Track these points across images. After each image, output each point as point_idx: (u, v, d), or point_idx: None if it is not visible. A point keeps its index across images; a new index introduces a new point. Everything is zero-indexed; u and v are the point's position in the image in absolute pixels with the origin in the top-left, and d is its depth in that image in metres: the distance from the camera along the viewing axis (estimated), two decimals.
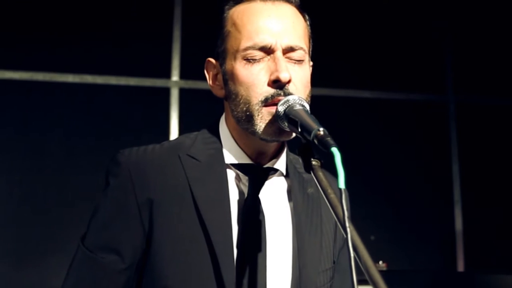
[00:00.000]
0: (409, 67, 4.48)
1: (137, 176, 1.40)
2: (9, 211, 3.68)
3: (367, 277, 0.96)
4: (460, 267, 4.33)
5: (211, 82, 1.51)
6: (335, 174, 1.06)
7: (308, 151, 1.22)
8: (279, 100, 1.33)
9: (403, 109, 4.44)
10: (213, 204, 1.39)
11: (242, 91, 1.38)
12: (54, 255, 3.56)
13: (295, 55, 1.39)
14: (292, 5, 1.45)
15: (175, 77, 4.04)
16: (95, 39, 3.95)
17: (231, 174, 1.45)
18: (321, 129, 1.16)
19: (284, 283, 1.41)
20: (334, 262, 1.53)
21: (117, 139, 3.79)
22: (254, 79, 1.37)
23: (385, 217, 4.18)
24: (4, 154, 3.74)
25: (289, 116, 1.28)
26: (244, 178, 1.45)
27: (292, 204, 1.48)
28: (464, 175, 4.45)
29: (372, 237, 4.01)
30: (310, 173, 1.20)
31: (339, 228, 1.51)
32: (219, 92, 1.49)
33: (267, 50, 1.37)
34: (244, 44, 1.38)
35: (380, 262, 3.49)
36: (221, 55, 1.45)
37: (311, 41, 1.50)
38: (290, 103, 1.30)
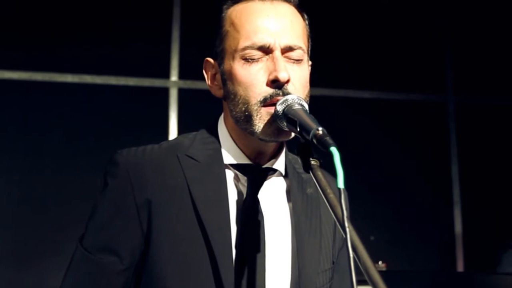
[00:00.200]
0: (408, 67, 4.48)
1: (136, 177, 1.39)
2: (9, 211, 3.67)
3: (366, 278, 0.95)
4: (460, 267, 4.33)
5: (209, 82, 1.50)
6: (334, 174, 1.06)
7: (307, 151, 1.21)
8: (278, 100, 1.32)
9: (403, 110, 4.44)
10: (212, 204, 1.38)
11: (240, 91, 1.38)
12: (53, 256, 3.55)
13: (293, 54, 1.39)
14: (290, 4, 1.44)
15: (174, 77, 4.04)
16: (94, 39, 3.95)
17: (229, 174, 1.44)
18: (320, 128, 1.15)
19: (283, 284, 1.41)
20: (333, 263, 1.52)
21: (116, 139, 3.79)
22: (252, 79, 1.36)
23: (385, 217, 4.18)
24: (3, 154, 3.74)
25: (288, 116, 1.27)
26: (243, 179, 1.44)
27: (291, 204, 1.47)
28: (463, 176, 4.45)
29: (372, 237, 4.01)
30: (309, 173, 1.20)
31: (339, 228, 1.51)
32: (218, 92, 1.48)
33: (266, 50, 1.37)
34: (243, 43, 1.37)
35: (380, 262, 3.49)
36: (220, 55, 1.44)
37: (310, 40, 1.49)
38: (289, 103, 1.30)
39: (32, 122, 3.80)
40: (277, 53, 1.36)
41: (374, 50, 4.42)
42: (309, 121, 1.20)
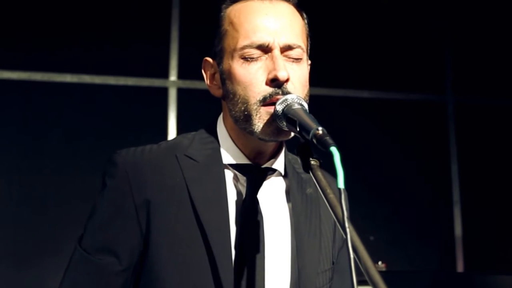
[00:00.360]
0: (408, 67, 4.47)
1: (134, 177, 1.39)
2: (8, 212, 3.66)
3: (366, 278, 0.95)
4: (460, 267, 4.33)
5: (208, 82, 1.50)
6: (334, 174, 1.05)
7: (306, 151, 1.21)
8: (278, 99, 1.32)
9: (402, 109, 4.43)
10: (211, 205, 1.37)
11: (240, 90, 1.37)
12: (52, 256, 3.54)
13: (293, 53, 1.38)
14: (289, 3, 1.44)
15: (173, 77, 4.03)
16: (93, 39, 3.94)
17: (229, 174, 1.44)
18: (320, 128, 1.15)
19: (282, 284, 1.40)
20: (333, 263, 1.51)
21: (116, 139, 3.78)
22: (251, 78, 1.36)
23: (384, 217, 4.17)
24: (2, 154, 3.73)
25: (288, 116, 1.26)
26: (242, 179, 1.44)
27: (290, 204, 1.47)
28: (463, 176, 4.44)
29: (371, 238, 4.00)
30: (309, 173, 1.19)
31: (338, 228, 1.50)
32: (217, 92, 1.47)
33: (265, 49, 1.36)
34: (242, 42, 1.37)
35: (379, 263, 3.49)
36: (219, 54, 1.44)
37: (309, 39, 1.48)
38: (288, 102, 1.29)
39: (31, 122, 3.79)
40: (276, 52, 1.36)
41: (373, 50, 4.41)
42: (309, 121, 1.20)
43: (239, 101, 1.37)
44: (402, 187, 4.29)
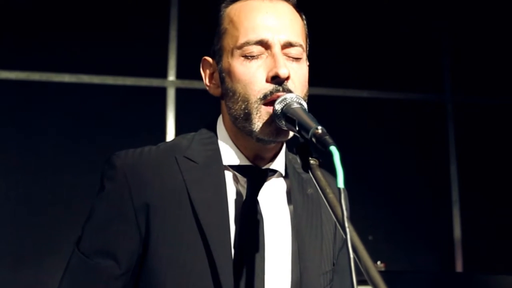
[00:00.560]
0: (407, 67, 4.47)
1: (133, 180, 1.37)
2: (5, 212, 3.66)
3: (367, 278, 0.94)
4: (459, 267, 4.32)
5: (207, 81, 1.49)
6: (334, 173, 1.04)
7: (306, 150, 1.20)
8: (278, 96, 1.31)
9: (401, 109, 4.43)
10: (211, 207, 1.36)
11: (239, 88, 1.36)
12: (50, 256, 3.54)
13: (293, 51, 1.38)
14: (289, 3, 1.44)
15: (171, 77, 4.03)
16: (91, 39, 3.93)
17: (229, 175, 1.43)
18: (319, 127, 1.14)
19: (283, 286, 1.39)
20: (333, 264, 1.51)
21: (114, 139, 3.77)
22: (251, 76, 1.35)
23: (383, 217, 4.17)
24: (0, 154, 3.72)
25: (287, 115, 1.26)
26: (243, 180, 1.42)
27: (291, 206, 1.46)
28: (462, 175, 4.44)
29: (370, 237, 4.00)
30: (308, 173, 1.18)
31: (339, 228, 1.50)
32: (216, 91, 1.47)
33: (265, 45, 1.36)
34: (241, 40, 1.36)
35: (378, 263, 3.48)
36: (218, 53, 1.43)
37: (308, 40, 1.48)
38: (287, 102, 1.28)
39: (29, 122, 3.78)
40: (276, 49, 1.35)
41: (372, 50, 4.41)
42: (308, 120, 1.19)
43: (239, 99, 1.37)
44: (401, 187, 4.29)
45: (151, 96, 3.98)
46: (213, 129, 1.49)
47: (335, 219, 1.06)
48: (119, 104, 3.92)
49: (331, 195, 1.09)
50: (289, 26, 1.39)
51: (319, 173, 1.15)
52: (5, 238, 3.63)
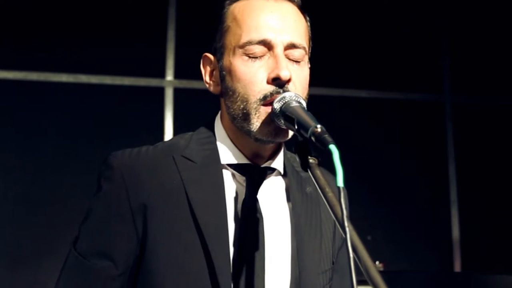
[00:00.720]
0: (406, 67, 4.46)
1: (130, 180, 1.36)
2: (3, 212, 3.65)
3: (367, 278, 0.93)
4: (457, 267, 4.32)
5: (207, 78, 1.48)
6: (333, 172, 1.04)
7: (305, 149, 1.19)
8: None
9: (400, 109, 4.43)
10: (209, 206, 1.35)
11: (239, 88, 1.35)
12: (49, 257, 3.52)
13: (295, 53, 1.37)
14: (294, 4, 1.43)
15: (169, 76, 4.02)
16: (89, 38, 3.93)
17: (227, 174, 1.42)
18: (319, 126, 1.13)
19: (282, 285, 1.39)
20: (333, 263, 1.50)
21: (112, 139, 3.77)
22: (252, 76, 1.34)
23: (382, 217, 4.16)
24: None
25: (286, 113, 1.25)
26: (241, 179, 1.42)
27: (290, 204, 1.45)
28: (460, 176, 4.44)
29: (369, 237, 3.99)
30: (307, 171, 1.18)
31: (338, 228, 1.49)
32: (215, 89, 1.46)
33: (267, 45, 1.35)
34: (244, 38, 1.35)
35: (377, 262, 3.48)
36: (219, 50, 1.42)
37: (310, 42, 1.47)
38: (286, 100, 1.27)
39: (27, 122, 3.77)
40: (279, 50, 1.34)
41: (371, 50, 4.41)
42: (307, 119, 1.18)
43: (238, 98, 1.36)
44: (399, 187, 4.29)
45: (149, 96, 3.98)
46: (211, 128, 1.48)
47: (334, 218, 1.05)
48: (117, 104, 3.91)
49: (330, 194, 1.08)
50: (293, 27, 1.37)
51: (318, 172, 1.15)
52: (3, 238, 3.62)
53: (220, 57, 1.41)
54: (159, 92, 3.99)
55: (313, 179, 1.15)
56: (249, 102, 1.34)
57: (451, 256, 4.33)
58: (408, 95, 4.46)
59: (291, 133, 1.35)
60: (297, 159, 1.21)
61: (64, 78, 3.87)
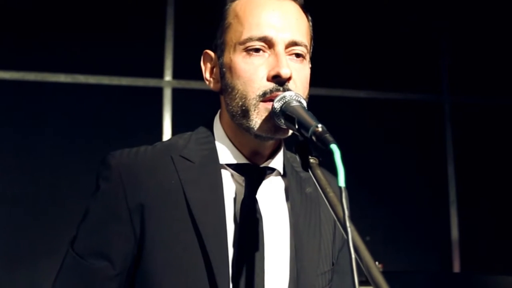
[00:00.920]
0: (404, 67, 4.46)
1: (128, 180, 1.36)
2: (1, 212, 3.64)
3: (369, 279, 0.92)
4: (456, 267, 4.32)
5: (207, 75, 1.47)
6: (333, 172, 1.03)
7: (305, 149, 1.18)
8: (278, 96, 1.29)
9: (399, 109, 4.43)
10: (207, 207, 1.35)
11: (239, 85, 1.35)
12: (46, 257, 3.51)
13: (297, 51, 1.36)
14: (296, 3, 1.42)
15: (168, 77, 4.01)
16: (87, 38, 3.92)
17: (226, 174, 1.41)
18: (320, 125, 1.12)
19: (282, 286, 1.38)
20: (332, 264, 1.49)
21: (110, 139, 3.76)
22: (252, 73, 1.33)
23: (381, 217, 4.16)
24: None
25: (286, 113, 1.24)
26: (240, 179, 1.41)
27: (289, 204, 1.44)
28: (459, 176, 4.44)
29: (368, 238, 3.98)
30: (308, 172, 1.17)
31: (338, 228, 1.48)
32: (215, 86, 1.45)
33: (268, 43, 1.34)
34: (245, 35, 1.34)
35: (376, 263, 3.47)
36: (220, 47, 1.41)
37: (312, 42, 1.46)
38: (286, 100, 1.27)
39: (24, 122, 3.77)
40: (280, 48, 1.34)
41: (370, 50, 4.41)
42: (308, 118, 1.17)
43: (237, 95, 1.35)
44: (398, 187, 4.28)
45: (147, 96, 3.97)
46: (210, 128, 1.47)
47: (336, 219, 1.04)
48: (115, 104, 3.90)
49: (331, 194, 1.07)
50: (294, 26, 1.37)
51: (319, 172, 1.14)
52: (1, 238, 3.61)
53: (221, 54, 1.41)
54: (158, 92, 3.98)
55: (314, 179, 1.14)
56: (248, 99, 1.33)
57: (450, 256, 4.33)
58: (407, 95, 4.46)
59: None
60: (298, 159, 1.20)
61: (62, 78, 3.86)
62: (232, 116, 1.38)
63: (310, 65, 1.44)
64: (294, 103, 1.25)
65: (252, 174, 1.41)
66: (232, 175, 1.42)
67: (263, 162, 1.43)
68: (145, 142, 1.50)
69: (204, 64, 1.48)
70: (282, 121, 1.27)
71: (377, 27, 4.45)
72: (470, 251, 4.33)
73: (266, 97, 1.32)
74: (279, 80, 1.31)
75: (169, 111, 3.96)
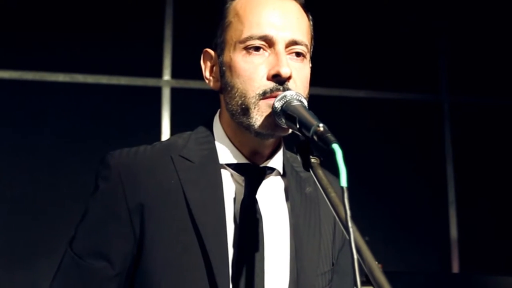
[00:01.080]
0: (403, 67, 4.46)
1: (128, 180, 1.35)
2: (0, 212, 3.63)
3: (371, 279, 0.92)
4: (455, 267, 4.32)
5: (207, 74, 1.46)
6: (334, 172, 1.02)
7: (306, 149, 1.18)
8: (277, 95, 1.28)
9: (398, 109, 4.43)
10: (207, 207, 1.34)
11: (238, 83, 1.34)
12: (45, 257, 3.51)
13: (297, 50, 1.35)
14: (297, 2, 1.42)
15: (166, 76, 4.01)
16: (86, 38, 3.91)
17: (226, 174, 1.41)
18: (321, 125, 1.12)
19: (282, 287, 1.37)
20: (332, 264, 1.49)
21: (109, 139, 3.75)
22: (252, 72, 1.33)
23: (380, 217, 4.15)
24: None
25: (287, 112, 1.23)
26: (240, 178, 1.40)
27: (289, 204, 1.44)
28: (458, 176, 4.44)
29: (367, 238, 3.97)
30: (309, 171, 1.16)
31: (338, 228, 1.48)
32: (215, 85, 1.44)
33: (268, 42, 1.33)
34: (245, 34, 1.34)
35: (376, 263, 3.47)
36: (220, 46, 1.41)
37: (312, 41, 1.46)
38: (287, 99, 1.26)
39: (22, 122, 3.76)
40: (280, 47, 1.33)
41: (369, 50, 4.40)
42: (309, 118, 1.16)
43: (237, 94, 1.34)
44: (397, 187, 4.28)
45: (146, 96, 3.96)
46: (210, 128, 1.47)
47: (337, 219, 1.04)
48: (114, 104, 3.90)
49: (333, 194, 1.07)
50: (295, 25, 1.36)
51: (320, 171, 1.13)
52: (1, 238, 3.60)
53: (221, 52, 1.40)
54: (156, 92, 3.98)
55: (315, 179, 1.13)
56: (248, 97, 1.33)
57: (449, 256, 4.33)
58: (406, 95, 4.46)
59: None
60: (298, 159, 1.19)
61: (60, 77, 3.85)
62: (232, 115, 1.37)
63: (310, 65, 1.44)
64: (295, 103, 1.24)
65: (252, 174, 1.40)
66: (232, 175, 1.41)
67: (263, 162, 1.43)
68: (144, 141, 1.50)
69: (204, 62, 1.47)
70: (283, 120, 1.26)
71: (376, 27, 4.44)
72: (469, 251, 4.33)
73: (266, 96, 1.31)
74: (279, 79, 1.31)
75: (168, 111, 3.95)
